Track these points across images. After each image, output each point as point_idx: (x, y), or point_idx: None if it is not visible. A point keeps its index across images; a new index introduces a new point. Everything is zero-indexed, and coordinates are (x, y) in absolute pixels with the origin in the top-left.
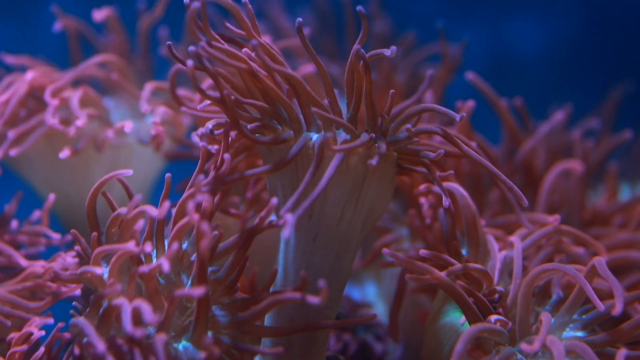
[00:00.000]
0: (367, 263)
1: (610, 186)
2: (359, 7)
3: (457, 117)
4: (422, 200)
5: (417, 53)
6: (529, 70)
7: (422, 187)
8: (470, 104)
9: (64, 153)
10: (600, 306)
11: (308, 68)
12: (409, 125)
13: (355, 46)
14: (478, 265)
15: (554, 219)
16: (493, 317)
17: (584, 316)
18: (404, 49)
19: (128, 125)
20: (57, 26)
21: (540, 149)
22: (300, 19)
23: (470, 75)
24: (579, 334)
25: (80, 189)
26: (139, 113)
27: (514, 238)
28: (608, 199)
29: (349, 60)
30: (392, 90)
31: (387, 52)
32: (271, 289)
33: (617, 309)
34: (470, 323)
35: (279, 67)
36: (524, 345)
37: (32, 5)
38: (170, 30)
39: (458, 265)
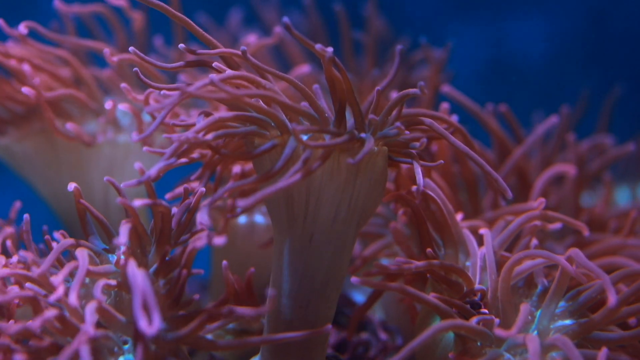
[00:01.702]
0: (355, 270)
1: (606, 195)
2: (284, 18)
3: (417, 91)
4: (393, 205)
5: (407, 60)
6: (529, 70)
7: (389, 196)
8: (445, 105)
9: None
10: (583, 279)
11: (302, 69)
12: (398, 123)
13: (328, 52)
14: (453, 264)
15: (538, 203)
16: (474, 319)
17: (570, 302)
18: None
19: (108, 103)
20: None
21: (536, 154)
22: (244, 48)
23: (446, 88)
24: (567, 322)
25: (81, 186)
26: (137, 108)
27: (483, 230)
28: (604, 206)
29: (324, 66)
30: (377, 87)
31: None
32: (269, 291)
33: (612, 301)
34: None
35: (243, 92)
36: (498, 331)
37: (32, 3)
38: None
39: (422, 263)
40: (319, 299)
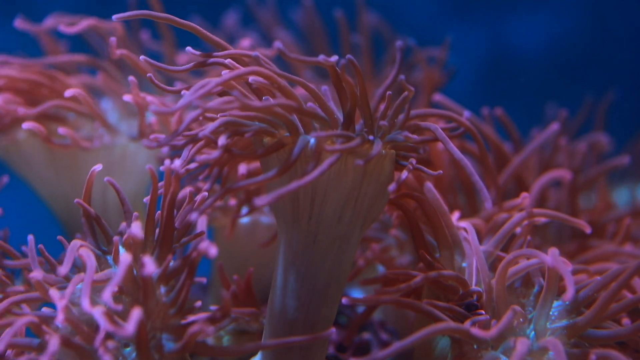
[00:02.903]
0: (354, 275)
1: (601, 199)
2: (277, 44)
3: (412, 89)
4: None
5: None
6: (528, 69)
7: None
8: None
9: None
10: (564, 270)
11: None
12: (406, 132)
13: (331, 61)
14: (448, 272)
15: (522, 198)
16: (469, 321)
17: (567, 301)
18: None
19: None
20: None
21: (534, 158)
22: (256, 53)
23: (437, 97)
24: (564, 321)
25: (78, 188)
26: (131, 112)
27: (464, 223)
28: (602, 210)
29: (330, 74)
30: (389, 92)
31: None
32: (271, 291)
33: (569, 295)
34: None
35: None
36: (474, 330)
37: (31, 4)
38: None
39: (417, 279)
40: (321, 299)
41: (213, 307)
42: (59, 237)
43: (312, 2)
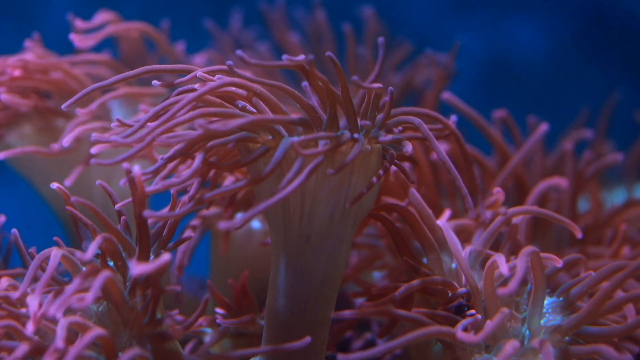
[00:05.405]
0: (346, 279)
1: (594, 199)
2: (238, 52)
3: (380, 85)
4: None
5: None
6: (528, 71)
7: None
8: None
9: (54, 146)
10: (520, 270)
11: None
12: (394, 134)
13: (301, 59)
14: (436, 278)
15: (496, 193)
16: (460, 324)
17: (561, 298)
18: (399, 59)
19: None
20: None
21: (535, 162)
22: (230, 62)
23: (446, 95)
24: (558, 319)
25: (80, 188)
26: (137, 110)
27: (440, 222)
28: (595, 210)
29: (305, 75)
30: (364, 84)
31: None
32: (268, 293)
33: (510, 288)
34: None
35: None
36: (460, 334)
37: (33, 3)
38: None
39: (402, 289)
40: (317, 299)
41: (217, 310)
42: (55, 238)
43: (324, 16)
